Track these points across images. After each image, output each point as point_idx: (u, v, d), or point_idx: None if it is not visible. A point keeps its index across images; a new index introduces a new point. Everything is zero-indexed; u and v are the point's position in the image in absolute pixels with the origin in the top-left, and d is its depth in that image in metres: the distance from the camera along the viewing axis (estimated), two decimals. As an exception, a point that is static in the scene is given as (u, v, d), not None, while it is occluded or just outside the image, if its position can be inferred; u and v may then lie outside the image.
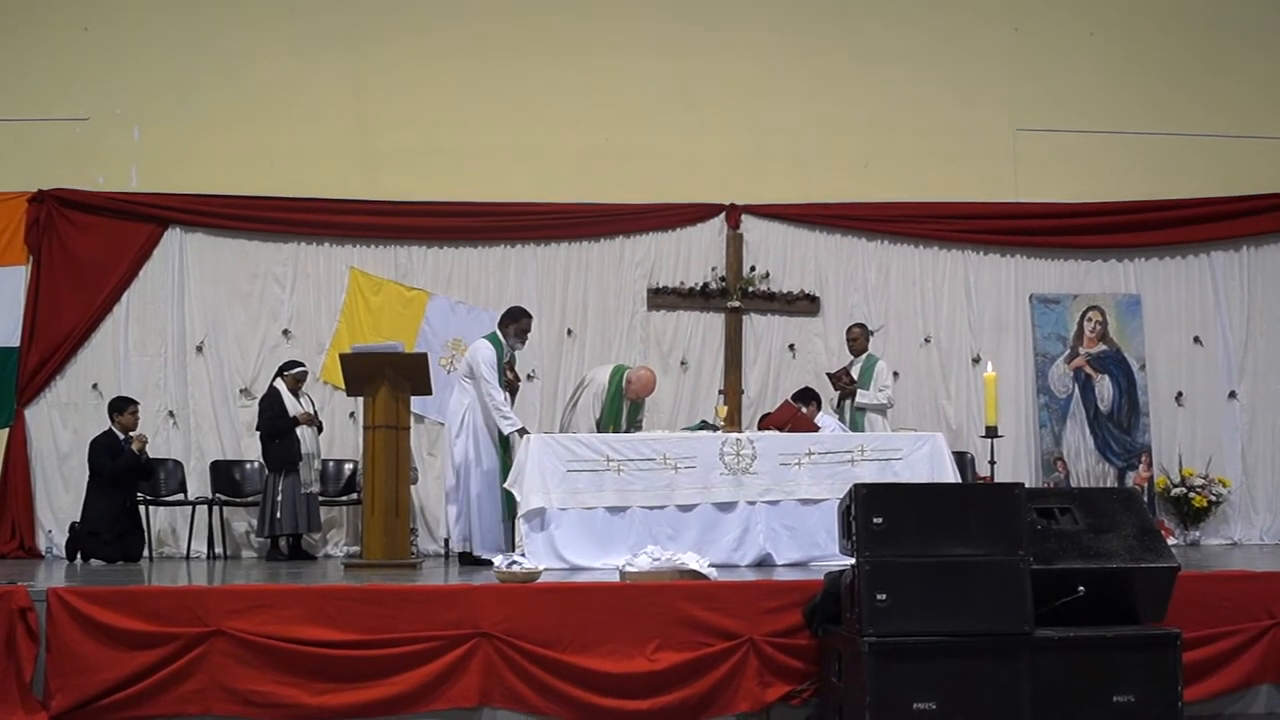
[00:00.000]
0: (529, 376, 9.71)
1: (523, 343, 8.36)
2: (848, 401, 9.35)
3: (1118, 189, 10.68)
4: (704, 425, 8.14)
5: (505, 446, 8.00)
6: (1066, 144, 10.70)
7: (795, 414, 8.40)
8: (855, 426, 9.04)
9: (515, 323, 8.25)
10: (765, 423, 8.47)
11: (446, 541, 9.10)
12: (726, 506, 7.47)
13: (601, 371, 8.57)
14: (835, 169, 10.58)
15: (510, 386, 8.20)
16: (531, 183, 10.26)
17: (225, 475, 9.76)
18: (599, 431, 8.18)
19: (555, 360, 10.24)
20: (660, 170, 10.41)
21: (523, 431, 7.82)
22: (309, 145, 10.16)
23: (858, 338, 9.64)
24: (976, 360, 10.51)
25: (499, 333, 8.23)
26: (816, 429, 8.30)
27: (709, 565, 6.14)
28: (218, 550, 9.55)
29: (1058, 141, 10.68)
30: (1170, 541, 7.67)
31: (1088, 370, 10.61)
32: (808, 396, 8.81)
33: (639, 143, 10.42)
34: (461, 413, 8.03)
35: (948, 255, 10.69)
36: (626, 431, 8.30)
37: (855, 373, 9.39)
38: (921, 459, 7.62)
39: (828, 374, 9.64)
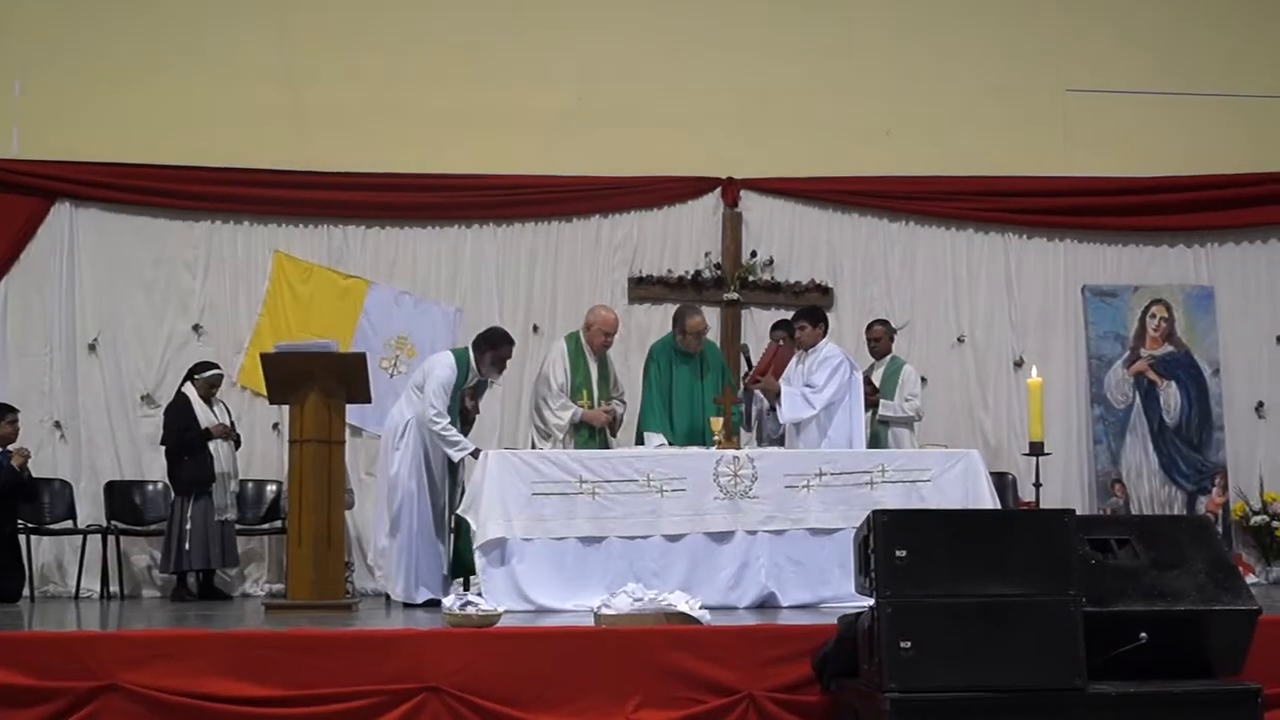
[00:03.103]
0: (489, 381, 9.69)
1: (499, 373, 8.41)
2: (868, 414, 9.32)
3: (1187, 161, 10.72)
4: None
5: (454, 469, 8.03)
6: (1125, 107, 10.74)
7: (775, 352, 8.57)
8: (878, 443, 9.05)
9: (493, 349, 8.25)
10: (752, 377, 8.59)
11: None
12: (722, 537, 7.48)
13: (557, 343, 8.77)
14: (852, 136, 10.58)
15: (464, 416, 8.25)
16: (491, 151, 10.23)
17: (123, 498, 9.71)
18: (573, 402, 8.35)
19: (519, 362, 10.07)
20: (644, 137, 10.39)
21: (475, 453, 7.85)
22: (226, 105, 10.11)
23: (880, 337, 9.63)
24: (1019, 364, 10.53)
25: (471, 354, 8.23)
26: (793, 354, 8.51)
27: (701, 607, 6.14)
28: (113, 588, 9.50)
29: (1115, 105, 10.71)
30: (1249, 579, 7.67)
31: (1151, 376, 10.64)
32: (815, 317, 8.73)
33: (618, 104, 10.40)
34: (402, 425, 8.08)
35: (985, 239, 10.72)
36: (606, 399, 8.49)
37: (877, 379, 9.39)
38: (953, 480, 7.66)
39: None
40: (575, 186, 10.38)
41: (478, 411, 8.53)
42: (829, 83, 10.59)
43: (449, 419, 8.00)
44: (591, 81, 10.43)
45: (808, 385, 8.39)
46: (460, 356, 8.21)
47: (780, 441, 8.58)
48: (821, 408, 8.32)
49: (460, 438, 8.02)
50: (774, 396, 8.45)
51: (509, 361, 8.47)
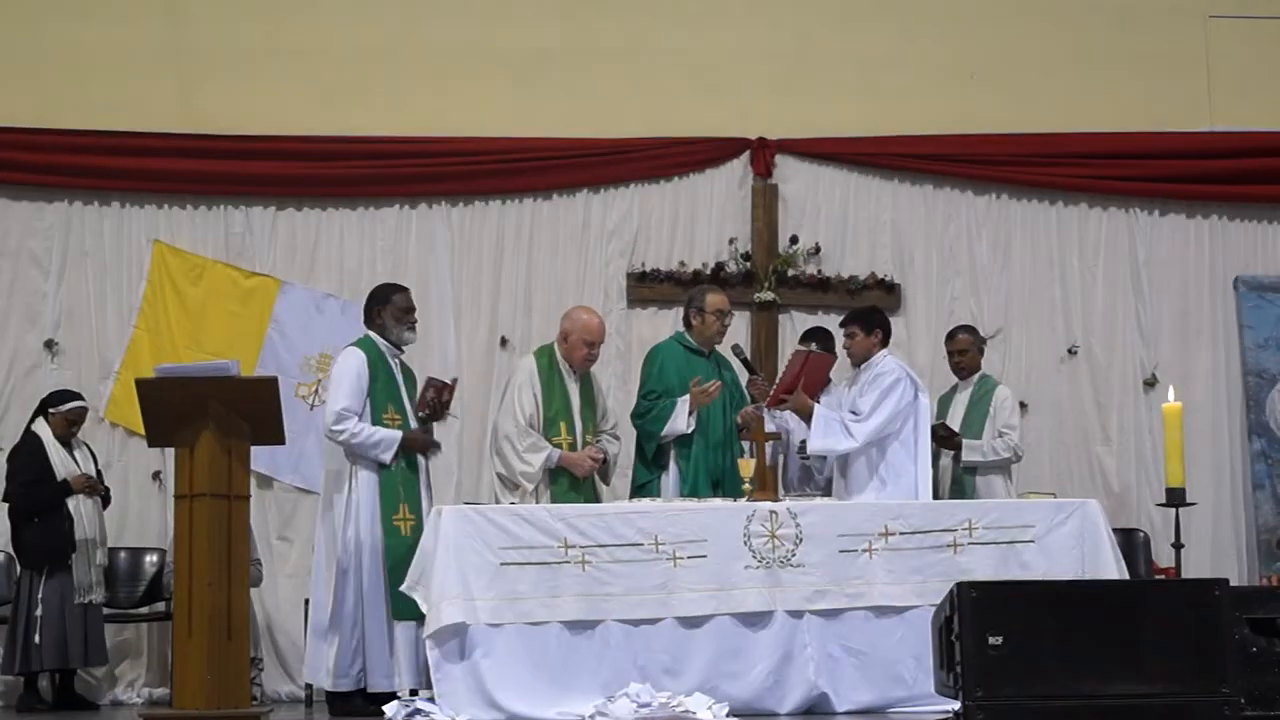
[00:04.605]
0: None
1: (410, 329, 8.38)
2: (946, 458, 9.28)
3: (1372, 110, 10.78)
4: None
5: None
6: (1289, 41, 10.80)
7: (805, 361, 8.55)
8: (963, 492, 9.02)
9: (385, 304, 8.31)
10: (774, 396, 8.59)
11: (309, 686, 9.03)
12: (756, 619, 7.49)
13: (524, 359, 8.75)
14: (923, 82, 10.64)
15: (430, 409, 8.19)
16: (443, 105, 10.32)
17: (-47, 575, 9.72)
18: (546, 439, 8.31)
19: (483, 382, 10.23)
20: (648, 87, 10.47)
21: (411, 443, 7.91)
22: (91, 48, 10.16)
23: (966, 350, 9.56)
24: (1151, 383, 10.56)
25: (371, 335, 8.29)
26: (832, 362, 8.75)
27: (728, 714, 6.12)
28: (-59, 695, 9.51)
29: (1275, 35, 10.74)
30: None
31: (1328, 397, 10.66)
32: (869, 322, 8.69)
33: (614, 42, 10.47)
34: (346, 474, 8.06)
35: (1103, 216, 10.76)
36: (593, 435, 8.49)
37: (962, 406, 9.35)
38: (1064, 541, 7.68)
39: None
40: (556, 151, 10.42)
41: (447, 408, 8.35)
42: (890, 14, 10.65)
43: (354, 419, 7.95)
44: (578, 12, 10.49)
45: (852, 411, 8.35)
46: (363, 344, 8.24)
47: (827, 490, 8.55)
48: (865, 440, 8.30)
49: (376, 432, 7.98)
50: (807, 419, 8.44)
51: (414, 316, 8.39)
